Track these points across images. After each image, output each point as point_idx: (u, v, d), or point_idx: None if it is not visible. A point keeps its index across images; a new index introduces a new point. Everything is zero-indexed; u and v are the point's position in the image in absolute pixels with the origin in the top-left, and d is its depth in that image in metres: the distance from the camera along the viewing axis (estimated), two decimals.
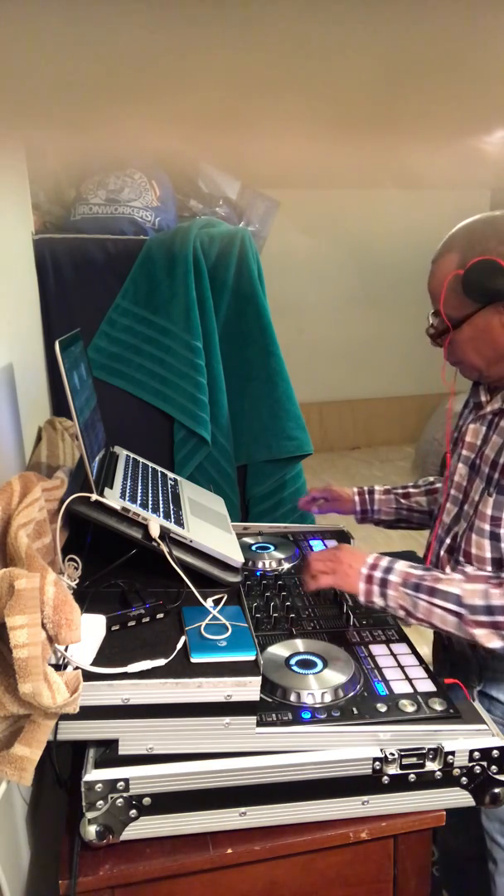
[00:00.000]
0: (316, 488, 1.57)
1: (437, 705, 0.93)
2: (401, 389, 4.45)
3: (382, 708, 0.92)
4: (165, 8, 0.39)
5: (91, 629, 0.88)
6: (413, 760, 0.90)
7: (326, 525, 1.58)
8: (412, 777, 0.90)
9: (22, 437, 1.28)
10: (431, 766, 0.91)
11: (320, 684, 0.94)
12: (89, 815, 0.85)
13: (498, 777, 0.92)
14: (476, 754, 0.91)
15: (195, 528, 1.13)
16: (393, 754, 0.89)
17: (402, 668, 1.01)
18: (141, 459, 1.41)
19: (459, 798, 0.92)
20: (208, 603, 1.00)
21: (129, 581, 1.04)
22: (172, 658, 0.87)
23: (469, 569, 1.12)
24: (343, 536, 1.51)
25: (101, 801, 0.85)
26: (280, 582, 1.25)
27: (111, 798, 0.85)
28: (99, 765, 0.85)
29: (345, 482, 3.61)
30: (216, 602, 1.01)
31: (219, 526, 1.24)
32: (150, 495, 1.18)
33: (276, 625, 1.11)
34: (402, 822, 0.92)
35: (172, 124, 0.48)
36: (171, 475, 1.42)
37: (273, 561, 1.34)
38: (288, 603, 1.18)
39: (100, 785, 0.84)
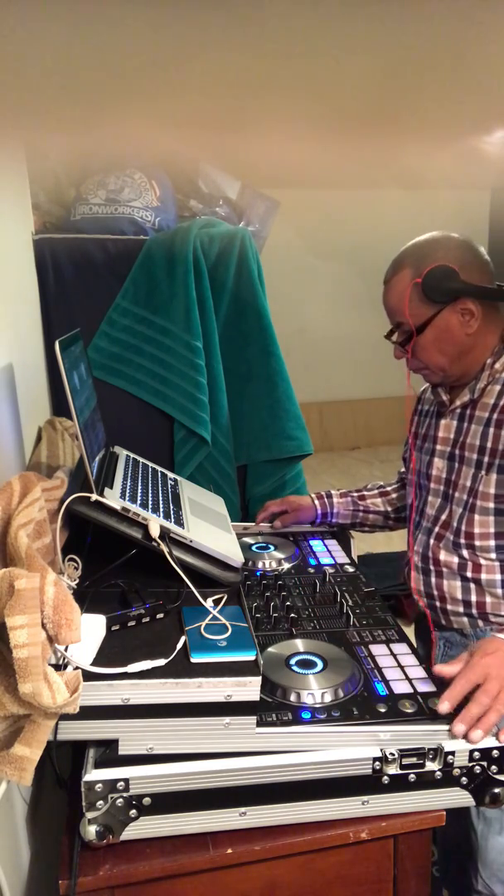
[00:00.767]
0: (273, 501, 1.57)
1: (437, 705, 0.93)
2: (401, 389, 4.39)
3: (382, 708, 0.92)
4: (165, 8, 0.39)
5: (91, 629, 0.88)
6: (413, 760, 0.90)
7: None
8: (412, 777, 0.90)
9: (22, 437, 1.28)
10: (431, 766, 0.91)
11: (320, 684, 0.94)
12: (89, 815, 0.85)
13: (498, 777, 0.92)
14: (476, 754, 0.91)
15: (195, 528, 1.13)
16: (393, 754, 0.89)
17: (402, 668, 1.01)
18: (141, 459, 1.42)
19: (459, 798, 0.92)
20: (208, 603, 1.00)
21: (129, 581, 1.04)
22: (172, 658, 0.87)
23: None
24: (343, 536, 1.51)
25: (101, 801, 0.85)
26: (280, 582, 1.25)
27: (111, 798, 0.85)
28: (99, 765, 0.85)
29: (345, 482, 3.61)
30: (216, 602, 1.01)
31: (219, 526, 1.24)
32: (150, 495, 1.18)
33: (276, 625, 1.11)
34: (402, 822, 0.92)
35: (172, 124, 0.48)
36: (171, 475, 1.42)
37: (273, 561, 1.34)
38: (288, 603, 1.18)
39: (100, 785, 0.84)
